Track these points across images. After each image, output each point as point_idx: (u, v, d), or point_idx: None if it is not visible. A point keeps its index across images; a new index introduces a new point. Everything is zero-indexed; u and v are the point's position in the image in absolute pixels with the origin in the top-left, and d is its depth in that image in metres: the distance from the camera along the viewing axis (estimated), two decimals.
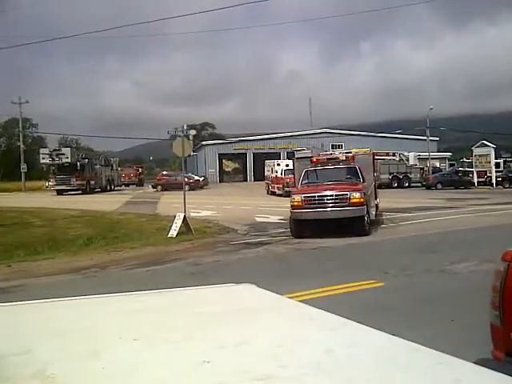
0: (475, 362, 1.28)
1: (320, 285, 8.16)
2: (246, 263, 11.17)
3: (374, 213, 16.81)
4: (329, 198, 14.69)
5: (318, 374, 1.18)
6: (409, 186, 45.86)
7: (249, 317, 1.69)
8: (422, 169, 50.08)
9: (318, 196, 14.83)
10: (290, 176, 33.33)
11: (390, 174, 45.89)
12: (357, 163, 16.97)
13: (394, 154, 50.79)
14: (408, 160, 50.24)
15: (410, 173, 47.91)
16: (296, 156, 17.36)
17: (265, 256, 11.97)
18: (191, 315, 1.71)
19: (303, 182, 16.48)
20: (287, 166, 35.90)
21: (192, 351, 1.33)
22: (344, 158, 17.66)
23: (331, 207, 14.60)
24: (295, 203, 14.93)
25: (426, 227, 16.49)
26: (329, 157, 18.86)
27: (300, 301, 2.02)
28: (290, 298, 2.20)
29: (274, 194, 36.18)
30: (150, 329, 1.54)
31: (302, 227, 14.84)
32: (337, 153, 25.99)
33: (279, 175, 36.58)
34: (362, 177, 16.23)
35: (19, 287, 9.25)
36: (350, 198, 14.48)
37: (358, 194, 14.62)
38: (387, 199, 22.24)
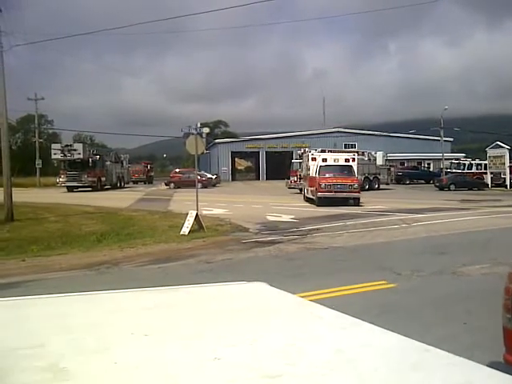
0: (487, 365, 1.27)
1: (332, 284, 8.14)
2: (258, 262, 11.17)
3: None
4: None
5: (328, 373, 1.18)
6: (378, 188, 42.45)
7: (260, 315, 1.69)
8: (389, 169, 48.08)
9: None
10: (328, 176, 25.23)
11: (362, 174, 40.81)
12: None
13: (363, 154, 45.52)
14: (376, 160, 46.35)
15: (379, 173, 44.63)
16: None
17: (276, 255, 11.97)
18: (202, 312, 1.72)
19: None
20: (324, 160, 27.01)
21: (203, 348, 1.34)
22: None
23: None
24: None
25: (438, 228, 16.35)
26: None
27: (311, 300, 2.02)
28: (301, 297, 2.20)
29: (310, 200, 26.81)
30: (161, 325, 1.55)
31: None
32: None
33: (313, 174, 26.58)
34: None
35: (33, 282, 9.36)
36: None
37: None
38: (398, 200, 22.09)
